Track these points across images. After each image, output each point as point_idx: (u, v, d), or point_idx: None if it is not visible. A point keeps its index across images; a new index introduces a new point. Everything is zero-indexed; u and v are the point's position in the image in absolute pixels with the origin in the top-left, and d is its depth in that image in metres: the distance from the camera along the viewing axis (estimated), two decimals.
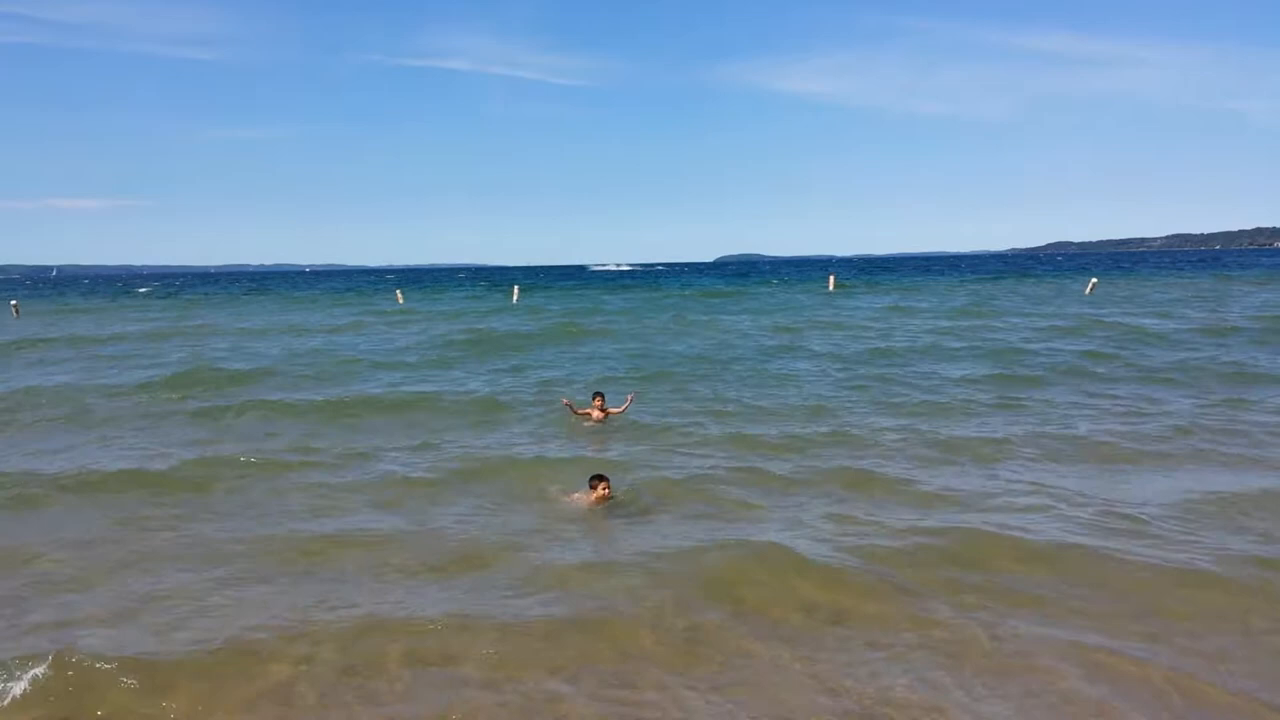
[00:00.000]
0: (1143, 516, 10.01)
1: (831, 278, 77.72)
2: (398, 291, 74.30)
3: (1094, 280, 60.52)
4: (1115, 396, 18.03)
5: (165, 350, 30.56)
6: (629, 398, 17.17)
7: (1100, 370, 21.46)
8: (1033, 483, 11.64)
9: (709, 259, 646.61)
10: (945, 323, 35.97)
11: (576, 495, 11.81)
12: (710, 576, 8.49)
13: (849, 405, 17.78)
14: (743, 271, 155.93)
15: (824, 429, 15.32)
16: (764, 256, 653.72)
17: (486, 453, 14.17)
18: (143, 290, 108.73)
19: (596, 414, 16.75)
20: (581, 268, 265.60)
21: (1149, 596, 7.91)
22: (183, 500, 11.59)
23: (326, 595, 8.17)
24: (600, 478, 11.90)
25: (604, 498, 11.85)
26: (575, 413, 16.80)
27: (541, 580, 8.46)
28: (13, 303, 57.02)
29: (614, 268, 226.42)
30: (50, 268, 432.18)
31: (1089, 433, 14.60)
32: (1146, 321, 33.38)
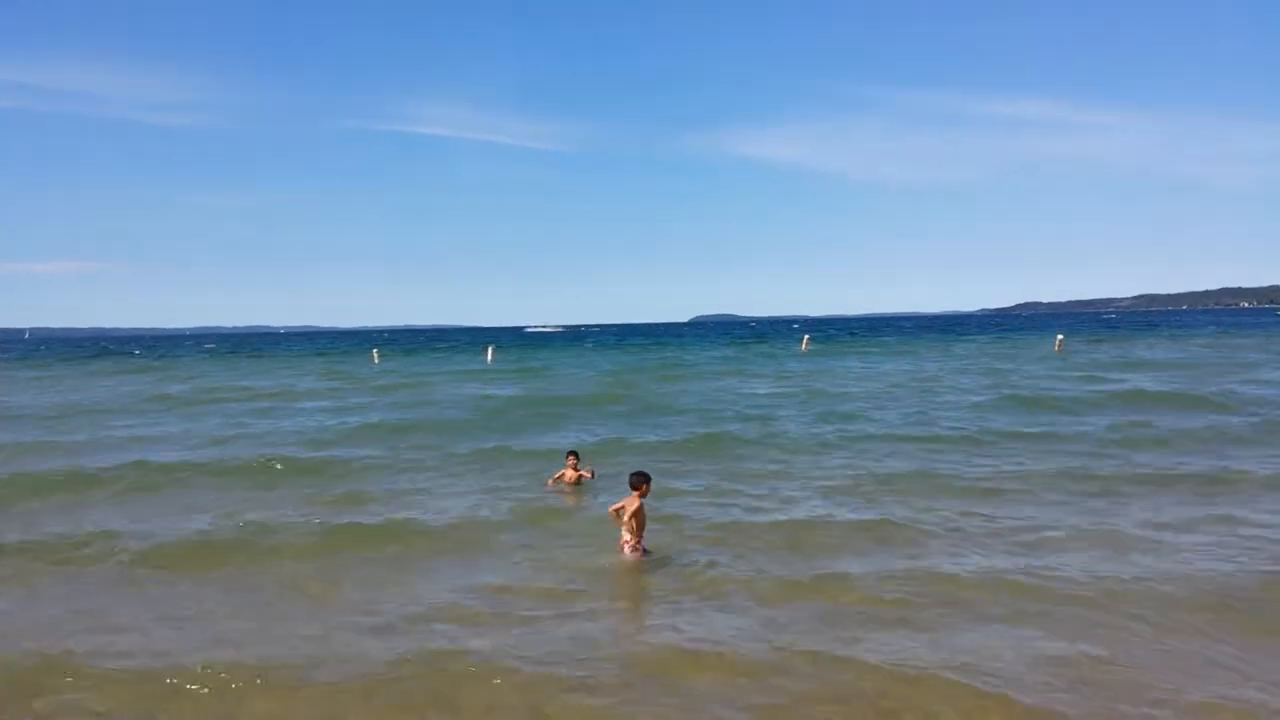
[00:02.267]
0: None
1: (806, 339, 78.98)
2: (374, 351, 74.64)
3: (1060, 337, 62.21)
4: None
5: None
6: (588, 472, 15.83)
7: None
8: None
9: (684, 319, 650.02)
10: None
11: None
12: None
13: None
14: (713, 331, 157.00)
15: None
16: (738, 316, 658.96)
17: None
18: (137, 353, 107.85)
19: (570, 474, 15.80)
20: (520, 329, 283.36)
21: None
22: None
23: None
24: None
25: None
26: (551, 482, 15.88)
27: None
28: None
29: (548, 329, 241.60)
30: (23, 330, 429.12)
31: None
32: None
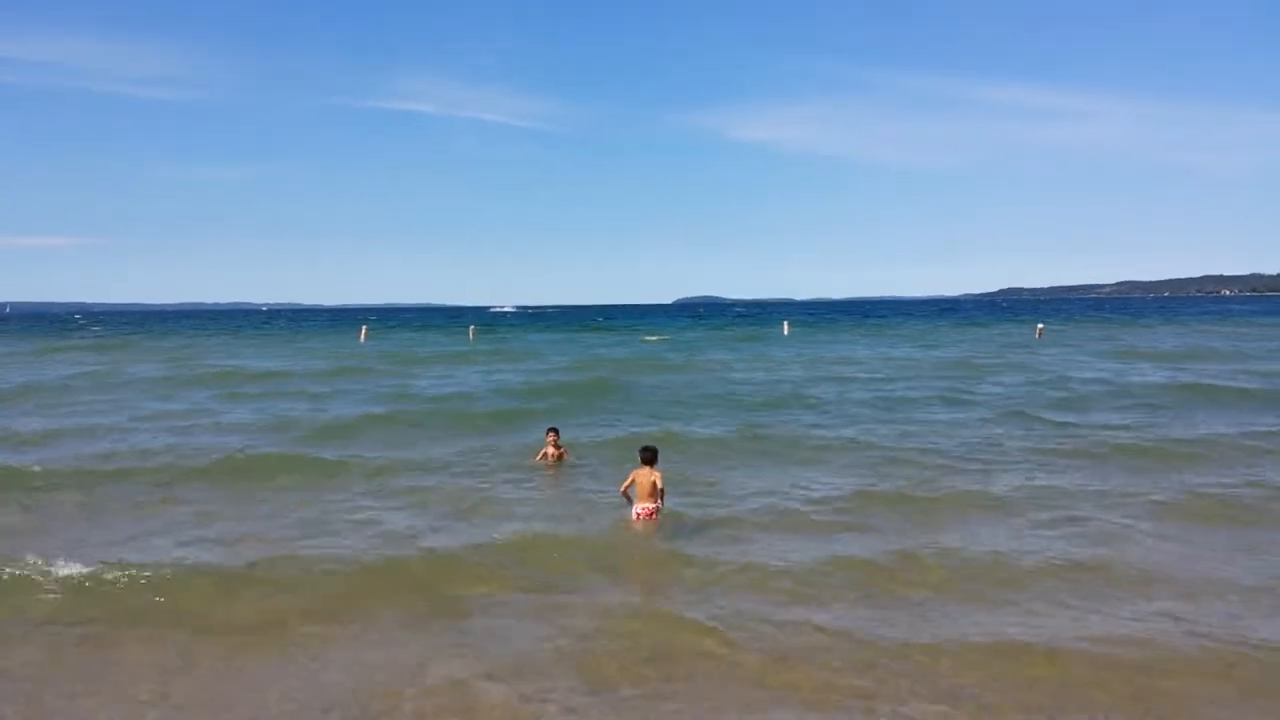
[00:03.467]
0: None
1: (785, 324, 79.41)
2: (362, 328, 74.67)
3: (1041, 325, 62.70)
4: None
5: None
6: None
7: None
8: None
9: (668, 300, 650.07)
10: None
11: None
12: None
13: None
14: (700, 315, 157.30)
15: None
16: (723, 299, 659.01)
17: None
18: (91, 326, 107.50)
19: (551, 451, 15.92)
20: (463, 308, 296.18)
21: None
22: None
23: None
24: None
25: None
26: (533, 460, 16.06)
27: None
28: None
29: (507, 309, 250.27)
30: (4, 305, 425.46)
31: None
32: None
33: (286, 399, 27.14)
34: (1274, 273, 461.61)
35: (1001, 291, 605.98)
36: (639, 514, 11.75)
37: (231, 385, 31.32)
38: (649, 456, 11.86)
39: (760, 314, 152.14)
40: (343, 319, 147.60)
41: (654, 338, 67.28)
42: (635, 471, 11.86)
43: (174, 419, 22.52)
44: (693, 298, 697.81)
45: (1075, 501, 12.84)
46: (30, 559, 9.98)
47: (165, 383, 32.58)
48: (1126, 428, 19.33)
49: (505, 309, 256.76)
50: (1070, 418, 20.89)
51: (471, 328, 74.46)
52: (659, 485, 11.70)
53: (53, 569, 9.66)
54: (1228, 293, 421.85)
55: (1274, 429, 18.93)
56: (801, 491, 13.72)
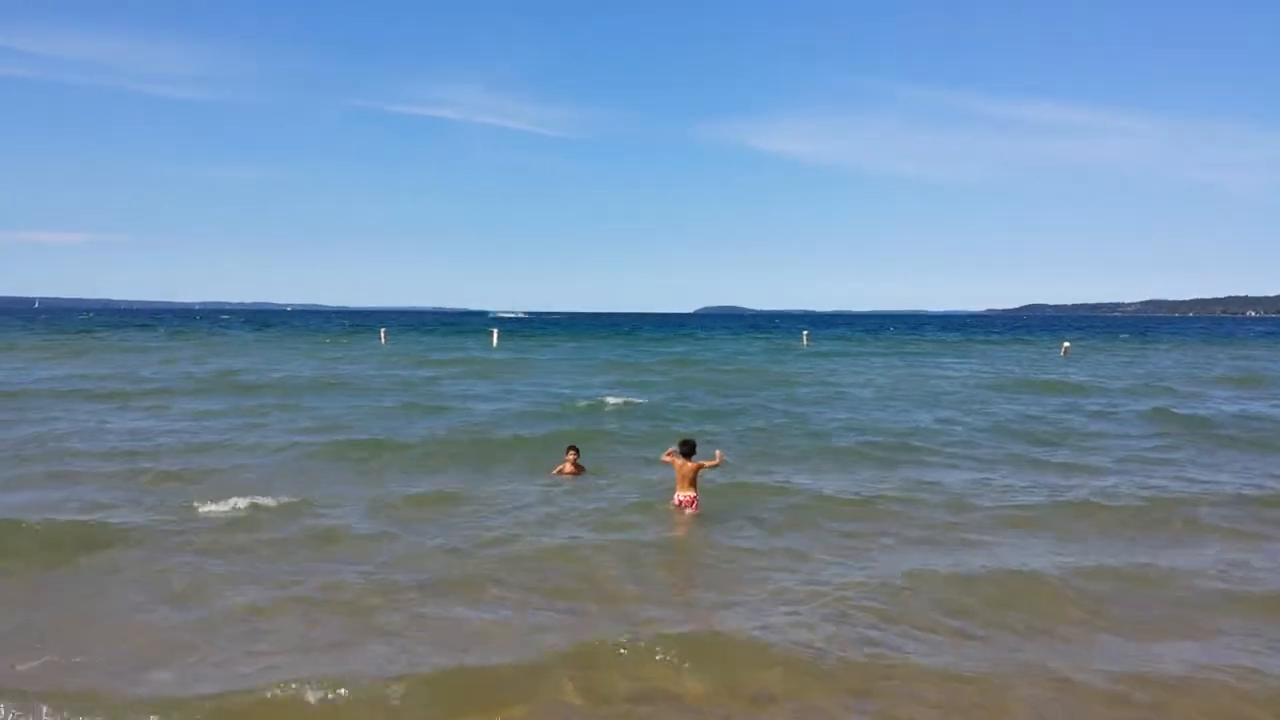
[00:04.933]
0: None
1: (805, 334, 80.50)
2: (382, 331, 76.25)
3: (1067, 344, 62.83)
4: None
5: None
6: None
7: None
8: None
9: (690, 309, 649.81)
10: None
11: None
12: None
13: None
14: (727, 327, 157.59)
15: None
16: (745, 309, 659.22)
17: None
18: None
19: (569, 468, 16.18)
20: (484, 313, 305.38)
21: None
22: None
23: None
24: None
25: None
26: (554, 473, 16.19)
27: None
28: None
29: (511, 314, 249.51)
30: (33, 299, 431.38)
31: None
32: None
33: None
34: None
35: (1024, 307, 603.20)
36: (680, 501, 12.79)
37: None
38: (687, 450, 12.89)
39: (788, 325, 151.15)
40: (369, 320, 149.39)
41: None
42: (676, 461, 12.90)
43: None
44: (714, 307, 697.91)
45: None
46: None
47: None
48: None
49: (516, 314, 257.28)
50: None
51: (494, 332, 75.63)
52: (700, 474, 12.82)
53: None
54: (1253, 314, 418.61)
55: None
56: None
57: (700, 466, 12.86)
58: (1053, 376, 38.66)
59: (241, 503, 13.02)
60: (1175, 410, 25.62)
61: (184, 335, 77.95)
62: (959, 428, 22.37)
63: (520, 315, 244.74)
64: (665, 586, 10.12)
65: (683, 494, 12.85)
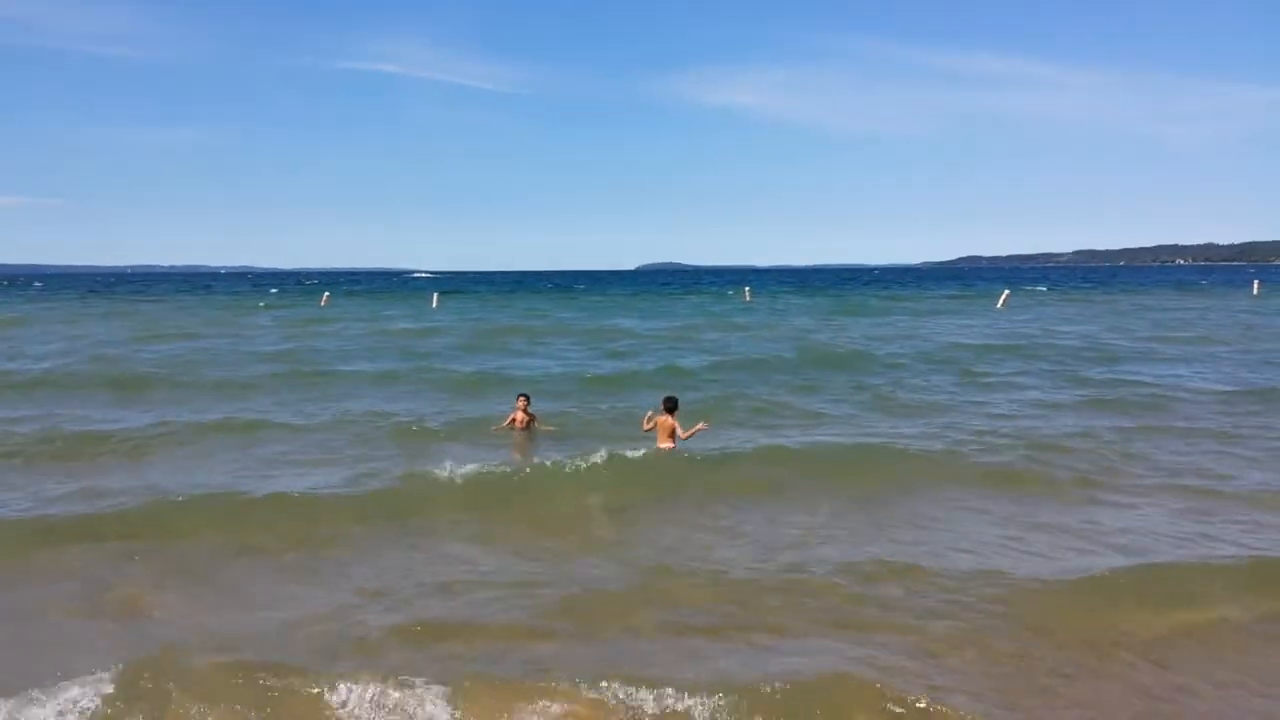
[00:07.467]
0: None
1: (746, 289, 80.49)
2: (325, 294, 74.53)
3: (1006, 293, 63.04)
4: None
5: None
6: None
7: None
8: None
9: (630, 267, 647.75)
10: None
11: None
12: None
13: None
14: (663, 283, 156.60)
15: None
16: (685, 265, 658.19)
17: None
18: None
19: (521, 417, 14.95)
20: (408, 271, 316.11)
21: None
22: None
23: None
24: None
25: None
26: (496, 428, 15.04)
27: None
28: None
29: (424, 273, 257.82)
30: None
31: None
32: None
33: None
34: (1226, 243, 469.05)
35: (960, 259, 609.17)
36: (659, 451, 13.24)
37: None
38: (670, 405, 13.31)
39: (733, 280, 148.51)
40: (287, 282, 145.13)
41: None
42: (658, 416, 13.30)
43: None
44: (655, 264, 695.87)
45: None
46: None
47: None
48: None
49: (422, 273, 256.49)
50: None
51: (435, 294, 74.16)
52: (678, 430, 13.11)
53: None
54: (1182, 262, 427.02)
55: None
56: None
57: (675, 427, 13.19)
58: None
59: None
60: None
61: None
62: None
63: (425, 273, 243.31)
64: None
65: (663, 445, 13.23)
